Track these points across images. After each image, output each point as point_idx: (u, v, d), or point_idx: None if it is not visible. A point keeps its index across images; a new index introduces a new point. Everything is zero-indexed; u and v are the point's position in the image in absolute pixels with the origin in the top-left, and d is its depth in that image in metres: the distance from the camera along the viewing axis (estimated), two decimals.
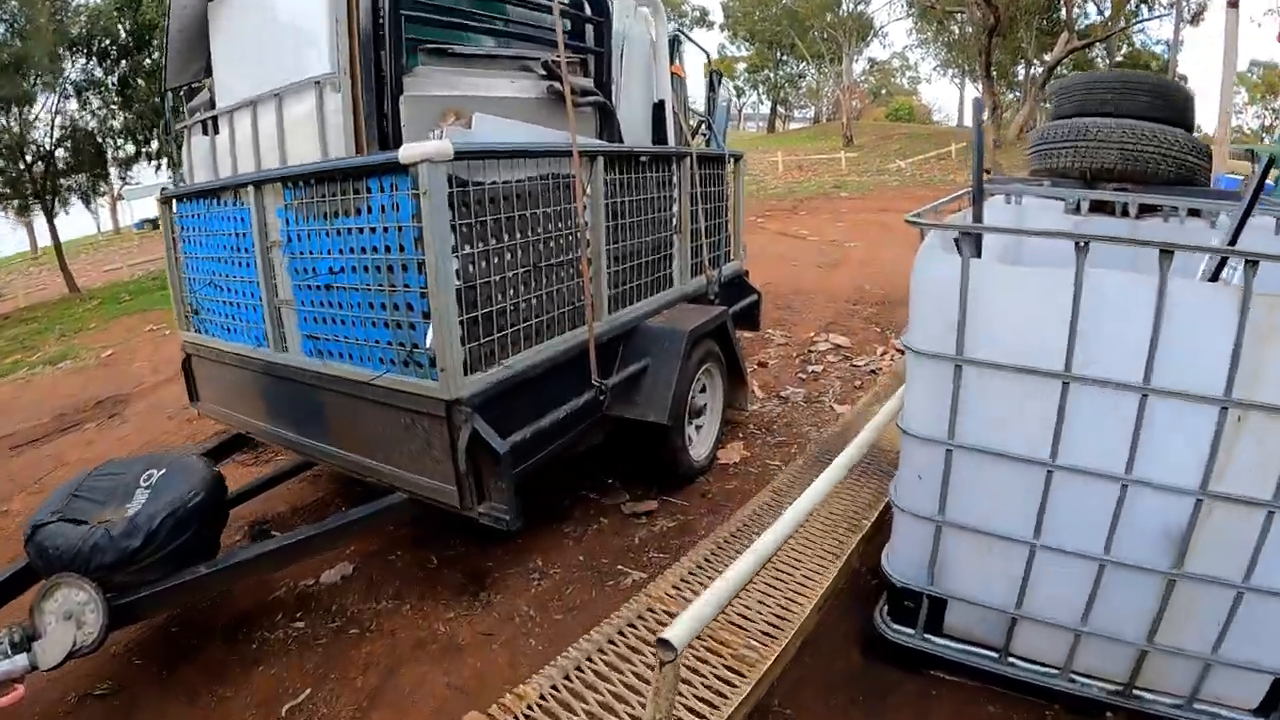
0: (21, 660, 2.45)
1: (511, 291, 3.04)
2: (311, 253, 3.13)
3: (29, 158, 19.20)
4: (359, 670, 3.00)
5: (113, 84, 20.40)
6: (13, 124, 18.67)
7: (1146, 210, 3.45)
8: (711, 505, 4.10)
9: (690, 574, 2.81)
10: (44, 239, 21.22)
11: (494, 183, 2.90)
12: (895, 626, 2.62)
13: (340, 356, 3.15)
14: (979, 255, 2.16)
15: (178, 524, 2.87)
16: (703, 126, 5.17)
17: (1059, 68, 32.62)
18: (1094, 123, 3.68)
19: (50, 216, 20.30)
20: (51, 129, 19.66)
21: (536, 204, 3.14)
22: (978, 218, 2.43)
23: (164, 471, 3.14)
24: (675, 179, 4.33)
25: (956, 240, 2.15)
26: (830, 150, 37.12)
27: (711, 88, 5.36)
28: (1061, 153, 3.80)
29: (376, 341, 2.96)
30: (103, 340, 11.21)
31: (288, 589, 3.57)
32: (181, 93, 4.63)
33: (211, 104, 4.07)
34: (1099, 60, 37.97)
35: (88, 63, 19.95)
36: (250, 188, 3.33)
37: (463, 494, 2.88)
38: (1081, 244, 1.94)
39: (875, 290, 9.30)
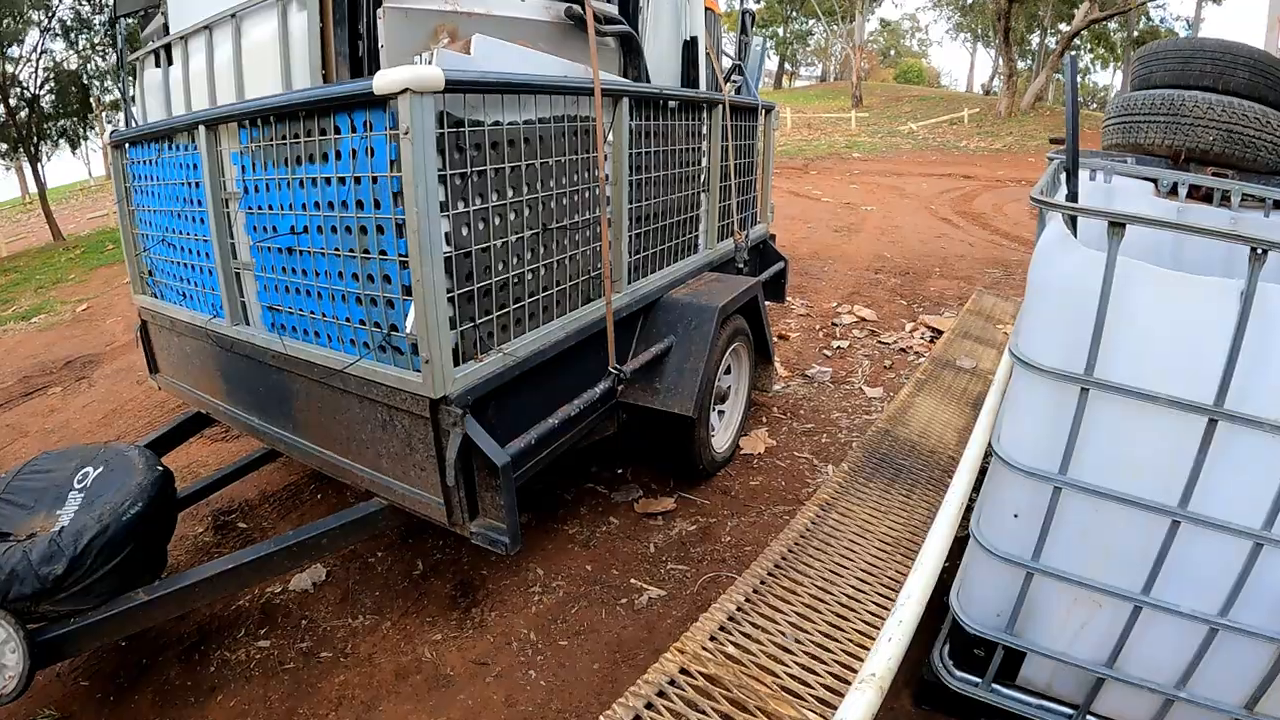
0: None
1: (515, 260, 2.47)
2: (272, 207, 2.56)
3: (13, 101, 18.54)
4: (331, 706, 2.56)
5: (101, 23, 19.63)
6: None
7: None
8: (736, 505, 3.60)
9: (730, 619, 2.29)
10: (35, 185, 20.58)
11: (496, 124, 2.31)
12: (959, 674, 2.21)
13: (306, 334, 2.60)
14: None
15: (109, 544, 2.42)
16: (735, 72, 4.57)
17: (1076, 38, 32.04)
18: (1192, 96, 3.34)
19: (34, 162, 19.66)
20: (36, 71, 18.97)
21: (548, 152, 2.56)
22: (1073, 194, 2.03)
23: (100, 470, 2.73)
24: (706, 129, 3.75)
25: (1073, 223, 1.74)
26: (839, 110, 36.57)
27: (744, 30, 4.77)
28: (1150, 127, 3.42)
29: (347, 320, 2.40)
30: (80, 293, 10.68)
31: (252, 598, 3.12)
32: (137, 19, 4.02)
33: (166, 30, 3.47)
34: (1113, 33, 37.46)
35: (75, 1, 19.21)
36: (201, 128, 2.74)
37: (451, 508, 2.36)
38: (1260, 251, 1.50)
39: (896, 259, 8.84)
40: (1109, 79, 50.34)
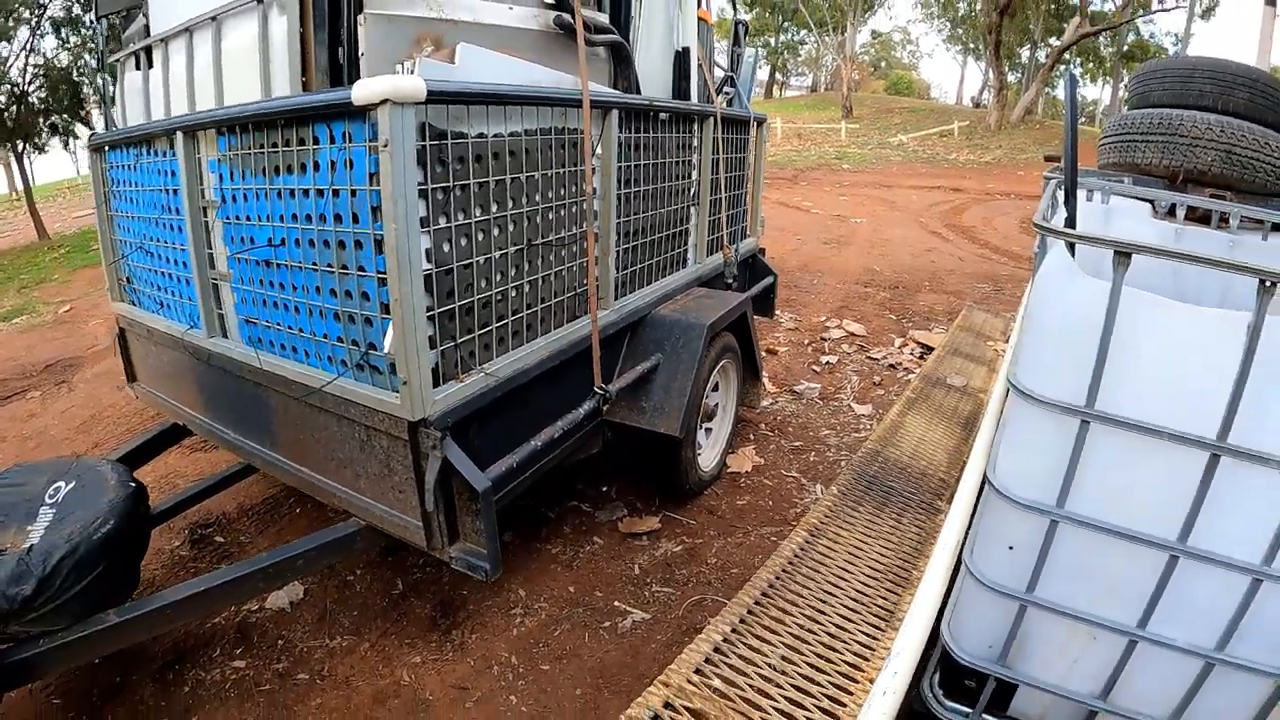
0: None
1: (498, 277, 2.39)
2: (250, 218, 2.47)
3: (2, 97, 18.38)
4: None
5: (91, 20, 19.48)
6: None
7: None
8: (722, 525, 3.53)
9: (716, 652, 2.22)
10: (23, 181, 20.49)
11: (480, 136, 2.23)
12: (949, 704, 2.13)
13: (283, 349, 2.52)
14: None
15: (79, 563, 2.34)
16: (727, 84, 4.50)
17: (1066, 53, 32.36)
18: (1190, 117, 3.30)
19: (20, 158, 19.48)
20: (25, 68, 18.81)
21: (534, 165, 2.48)
22: (1071, 216, 1.94)
23: (72, 485, 2.64)
24: (696, 141, 3.69)
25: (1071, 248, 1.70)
26: (829, 120, 36.70)
27: (737, 41, 4.70)
28: (1147, 147, 3.39)
29: (325, 336, 2.32)
30: (63, 294, 10.54)
31: (228, 616, 3.04)
32: (119, 19, 3.93)
33: (147, 31, 3.38)
34: (1103, 47, 37.87)
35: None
36: (178, 134, 2.66)
37: (430, 532, 2.28)
38: (1269, 284, 1.44)
39: (886, 273, 8.81)
40: (1098, 93, 50.66)
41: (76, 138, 21.23)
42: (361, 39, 2.34)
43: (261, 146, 2.34)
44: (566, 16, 2.89)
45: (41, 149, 20.67)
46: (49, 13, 19.07)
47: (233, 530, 3.65)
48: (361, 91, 1.90)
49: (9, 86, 18.76)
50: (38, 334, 8.29)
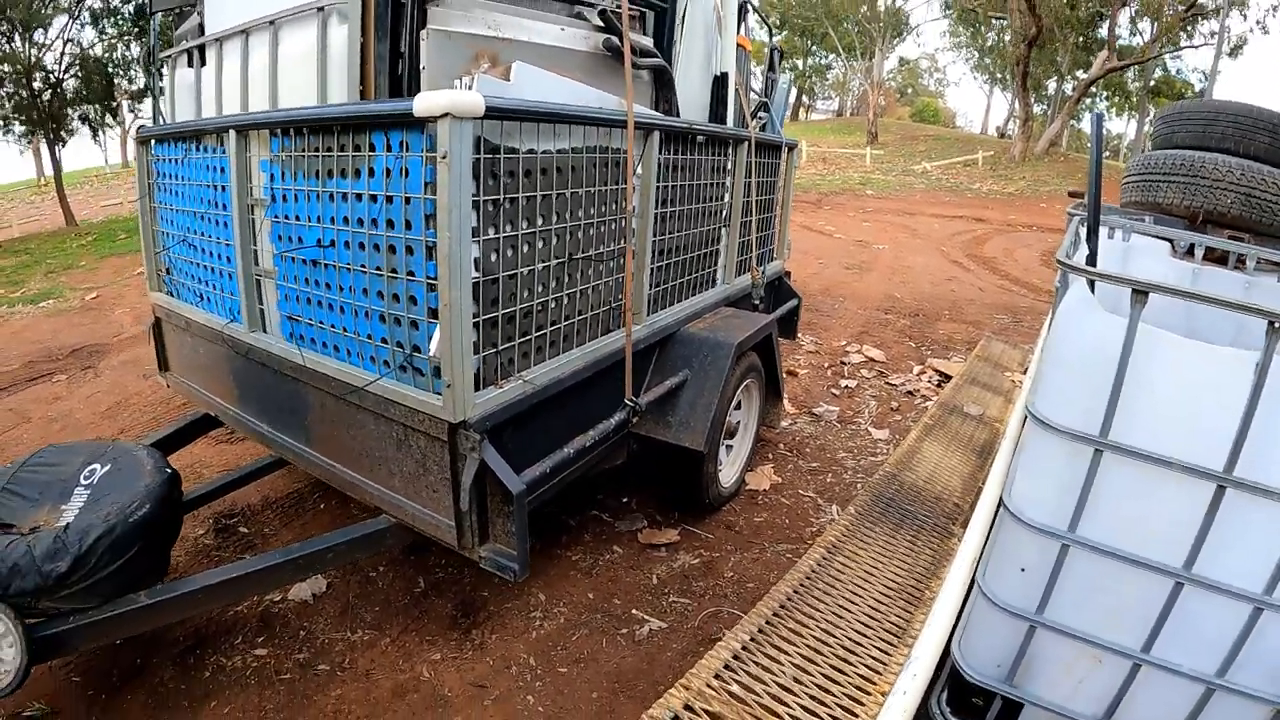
0: None
1: (539, 288, 2.47)
2: (299, 218, 2.55)
3: (37, 84, 18.68)
4: (327, 719, 2.52)
5: (129, 12, 19.82)
6: (20, 49, 18.15)
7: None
8: (740, 541, 3.58)
9: (735, 658, 2.28)
10: (51, 167, 20.83)
11: (530, 151, 2.31)
12: None
13: (325, 347, 2.59)
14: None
15: (114, 544, 2.38)
16: (761, 109, 4.58)
17: (1093, 86, 32.43)
18: (1211, 159, 3.37)
19: (52, 145, 19.77)
20: (61, 56, 19.13)
21: (579, 182, 2.56)
22: (1093, 253, 2.02)
23: (108, 468, 2.69)
24: (730, 164, 3.76)
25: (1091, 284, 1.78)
26: (855, 145, 36.88)
27: (771, 68, 4.79)
28: (1169, 187, 3.43)
29: (369, 337, 2.39)
30: (90, 281, 10.69)
31: (250, 605, 3.09)
32: (171, 15, 4.04)
33: (201, 30, 3.48)
34: (1130, 82, 37.90)
35: None
36: (231, 133, 2.74)
37: (462, 532, 2.34)
38: (1278, 325, 1.51)
39: (907, 300, 8.84)
40: (1124, 127, 50.68)
41: (108, 128, 21.62)
42: (423, 53, 2.42)
43: (316, 150, 2.41)
44: (615, 39, 2.97)
45: (68, 137, 20.95)
46: (87, 3, 19.38)
47: (256, 522, 3.71)
48: (423, 104, 1.98)
49: (44, 73, 19.08)
50: (64, 319, 8.41)
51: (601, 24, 3.10)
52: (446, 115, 1.96)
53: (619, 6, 2.69)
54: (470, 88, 2.38)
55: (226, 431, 4.44)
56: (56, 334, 7.67)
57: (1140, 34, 33.08)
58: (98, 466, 2.69)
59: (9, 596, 2.22)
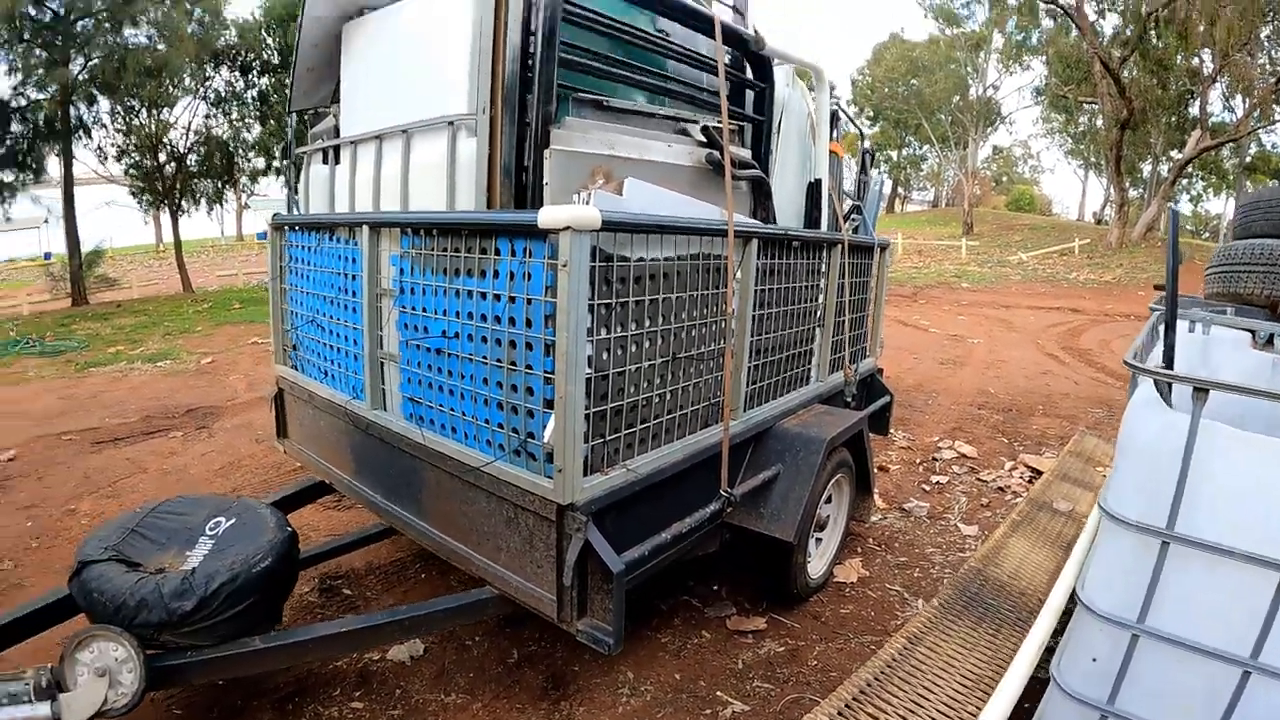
0: (44, 710, 2.24)
1: (645, 384, 2.66)
2: (425, 310, 2.81)
3: (163, 157, 20.23)
4: None
5: (252, 98, 21.42)
6: (149, 124, 19.73)
7: None
8: (825, 631, 3.61)
9: None
10: (169, 235, 22.45)
11: (640, 259, 2.53)
12: None
13: (443, 429, 2.81)
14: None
15: (237, 591, 2.61)
16: (854, 212, 4.74)
17: (1189, 166, 31.68)
18: None
19: (174, 215, 21.25)
20: (187, 133, 20.73)
21: (683, 286, 2.77)
22: (1169, 349, 2.07)
23: (233, 522, 2.94)
24: (824, 267, 3.92)
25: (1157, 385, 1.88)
26: (950, 237, 36.76)
27: (864, 170, 4.94)
28: (1249, 277, 3.42)
29: (486, 421, 2.61)
30: (205, 346, 11.38)
31: (350, 661, 3.26)
32: (307, 116, 4.46)
33: (336, 131, 3.85)
34: (1225, 160, 36.92)
35: (231, 74, 21.02)
36: (365, 228, 3.05)
37: (562, 605, 2.48)
38: None
39: (1001, 395, 8.72)
40: (1221, 206, 49.19)
41: (225, 203, 23.21)
42: (546, 170, 2.68)
43: (444, 249, 2.68)
44: (717, 155, 3.20)
45: (189, 208, 22.40)
46: (212, 85, 20.99)
47: (360, 585, 3.92)
48: (547, 217, 2.21)
49: (170, 148, 20.64)
50: (180, 379, 8.98)
51: (704, 139, 3.35)
52: (568, 228, 2.18)
53: (720, 123, 2.91)
54: (588, 202, 2.63)
55: (335, 499, 4.71)
56: (173, 393, 8.20)
57: (1233, 110, 32.43)
58: (223, 519, 2.93)
59: (134, 627, 2.44)
